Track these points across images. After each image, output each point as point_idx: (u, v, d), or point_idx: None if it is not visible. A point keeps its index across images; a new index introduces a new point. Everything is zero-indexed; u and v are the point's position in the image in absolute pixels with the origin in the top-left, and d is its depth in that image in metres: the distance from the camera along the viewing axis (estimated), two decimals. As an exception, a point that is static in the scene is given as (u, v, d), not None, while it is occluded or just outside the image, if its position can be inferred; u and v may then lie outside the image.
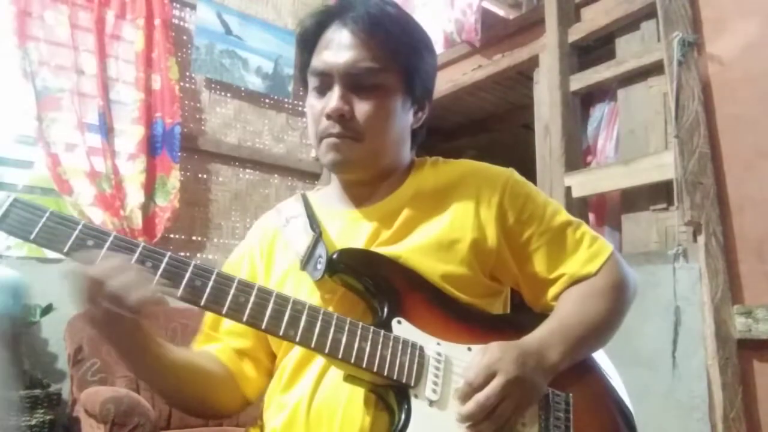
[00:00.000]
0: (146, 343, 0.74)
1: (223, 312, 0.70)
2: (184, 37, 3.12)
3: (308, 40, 0.90)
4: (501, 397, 0.71)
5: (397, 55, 0.87)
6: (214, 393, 0.87)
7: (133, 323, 0.70)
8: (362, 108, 0.85)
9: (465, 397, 0.73)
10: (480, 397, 0.71)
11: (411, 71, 0.89)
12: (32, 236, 0.65)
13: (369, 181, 0.93)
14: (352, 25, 0.85)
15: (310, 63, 0.90)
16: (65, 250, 0.66)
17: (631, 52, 2.16)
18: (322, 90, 0.87)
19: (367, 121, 0.85)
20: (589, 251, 0.90)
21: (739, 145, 1.64)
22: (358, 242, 0.87)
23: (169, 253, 0.69)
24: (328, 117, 0.85)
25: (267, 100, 3.40)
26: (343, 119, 0.84)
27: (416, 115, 0.95)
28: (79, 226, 0.67)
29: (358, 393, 0.77)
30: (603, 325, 0.86)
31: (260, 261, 0.95)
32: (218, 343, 0.92)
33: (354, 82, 0.85)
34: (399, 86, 0.88)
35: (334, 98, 0.84)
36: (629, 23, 2.19)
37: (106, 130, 2.68)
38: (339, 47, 0.85)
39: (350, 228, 0.90)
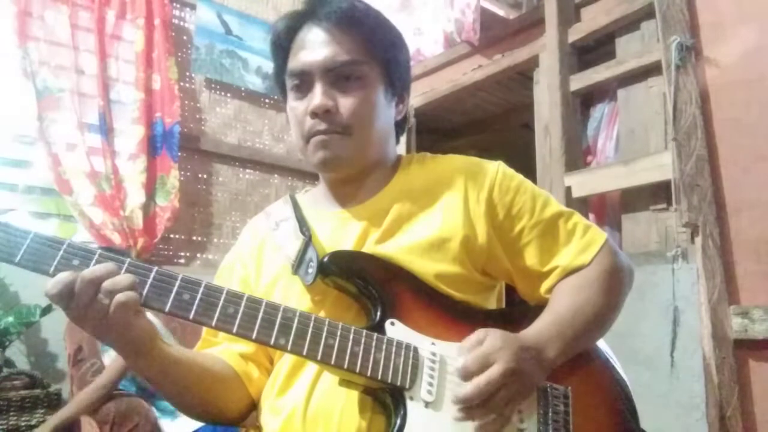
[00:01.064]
0: (149, 340, 0.73)
1: (213, 324, 0.69)
2: (184, 37, 3.12)
3: (281, 44, 0.90)
4: (499, 386, 0.70)
5: (373, 47, 0.87)
6: (222, 392, 0.86)
7: (129, 320, 0.68)
8: (346, 102, 0.85)
9: (463, 379, 0.72)
10: (479, 380, 0.70)
11: (389, 62, 0.89)
12: (17, 259, 0.65)
13: (356, 178, 0.92)
14: (326, 23, 0.85)
15: (286, 67, 0.89)
16: (51, 271, 0.65)
17: (631, 52, 2.15)
18: (303, 90, 0.87)
19: (353, 114, 0.85)
20: (582, 241, 0.89)
21: (737, 148, 1.66)
22: (348, 243, 0.86)
23: (155, 268, 0.69)
24: (314, 115, 0.85)
25: (267, 100, 3.40)
26: (329, 115, 0.84)
27: (397, 108, 0.95)
28: (64, 246, 0.67)
29: (355, 396, 0.76)
30: (599, 316, 0.85)
31: (251, 265, 0.95)
32: (220, 347, 0.91)
33: (335, 78, 0.85)
34: (379, 78, 0.88)
35: (317, 95, 0.84)
36: (629, 23, 2.19)
37: (106, 130, 2.68)
38: (315, 45, 0.85)
39: (339, 229, 0.89)
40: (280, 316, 0.72)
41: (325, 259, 0.80)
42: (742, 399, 1.55)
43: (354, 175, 0.92)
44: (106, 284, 0.65)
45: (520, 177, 0.94)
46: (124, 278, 0.66)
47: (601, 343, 0.91)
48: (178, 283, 0.69)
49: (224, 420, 0.89)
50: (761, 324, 1.52)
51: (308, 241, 0.85)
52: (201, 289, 0.69)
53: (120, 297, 0.65)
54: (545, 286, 0.89)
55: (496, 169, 0.92)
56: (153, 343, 0.74)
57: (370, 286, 0.80)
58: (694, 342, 1.64)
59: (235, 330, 0.70)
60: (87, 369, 2.17)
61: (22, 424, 2.04)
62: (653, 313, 1.76)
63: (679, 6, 1.77)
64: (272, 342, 0.70)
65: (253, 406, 0.90)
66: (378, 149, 0.92)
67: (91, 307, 0.65)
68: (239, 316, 0.70)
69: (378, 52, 0.88)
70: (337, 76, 0.85)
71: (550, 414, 0.77)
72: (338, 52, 0.84)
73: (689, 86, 1.72)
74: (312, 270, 0.80)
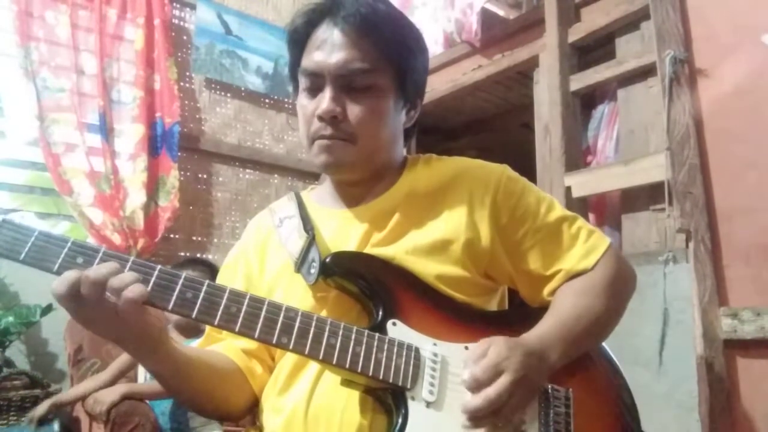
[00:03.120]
0: (158, 337, 0.74)
1: (215, 323, 0.69)
2: (184, 37, 3.12)
3: (298, 38, 0.90)
4: (508, 395, 0.70)
5: (389, 55, 0.86)
6: (228, 389, 0.86)
7: (138, 318, 0.68)
8: (354, 109, 0.84)
9: (471, 390, 0.72)
10: (490, 392, 0.70)
11: (403, 71, 0.88)
12: (22, 256, 0.65)
13: (362, 181, 0.92)
14: (343, 25, 0.84)
15: (300, 62, 0.89)
16: (55, 269, 0.66)
17: (631, 52, 2.15)
18: (314, 90, 0.87)
19: (360, 122, 0.84)
20: (585, 246, 0.89)
21: (728, 156, 1.71)
22: (351, 243, 0.86)
23: (159, 266, 0.69)
24: (320, 119, 0.84)
25: (267, 100, 3.40)
26: (335, 121, 0.84)
27: (408, 114, 0.95)
28: (68, 244, 0.67)
29: (356, 396, 0.77)
30: (601, 320, 0.85)
31: (255, 261, 0.95)
32: (223, 342, 0.92)
33: (346, 83, 0.84)
34: (391, 86, 0.87)
35: (325, 100, 0.83)
36: (629, 23, 2.19)
37: (106, 130, 2.67)
38: (330, 47, 0.84)
39: (342, 229, 0.89)
40: (282, 315, 0.72)
41: (328, 260, 0.80)
42: (731, 396, 1.59)
43: (359, 179, 0.92)
44: (113, 282, 0.65)
45: (524, 181, 0.94)
46: (129, 275, 0.66)
47: (602, 344, 0.91)
48: (181, 281, 0.69)
49: (228, 416, 0.90)
50: (750, 325, 1.57)
51: (312, 240, 0.85)
52: (204, 288, 0.70)
53: (127, 293, 0.65)
54: (548, 289, 0.89)
55: (500, 172, 0.92)
56: (162, 340, 0.74)
57: (372, 286, 0.81)
58: (691, 342, 1.66)
59: (237, 329, 0.70)
60: (87, 369, 2.17)
61: (22, 424, 2.04)
62: (653, 313, 1.76)
63: (673, 21, 1.82)
64: (274, 341, 0.71)
65: (256, 402, 0.90)
66: (383, 156, 0.92)
67: (98, 307, 0.65)
68: (242, 314, 0.70)
69: (393, 59, 0.86)
70: (349, 83, 0.84)
71: (551, 415, 0.77)
72: (352, 58, 0.83)
73: (683, 98, 1.77)
74: (314, 270, 0.80)
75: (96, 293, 0.64)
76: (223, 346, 0.91)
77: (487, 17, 2.73)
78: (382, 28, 0.85)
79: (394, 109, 0.89)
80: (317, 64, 0.85)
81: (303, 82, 0.88)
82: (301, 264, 0.83)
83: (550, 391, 0.79)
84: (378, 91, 0.86)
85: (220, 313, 0.69)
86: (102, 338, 0.72)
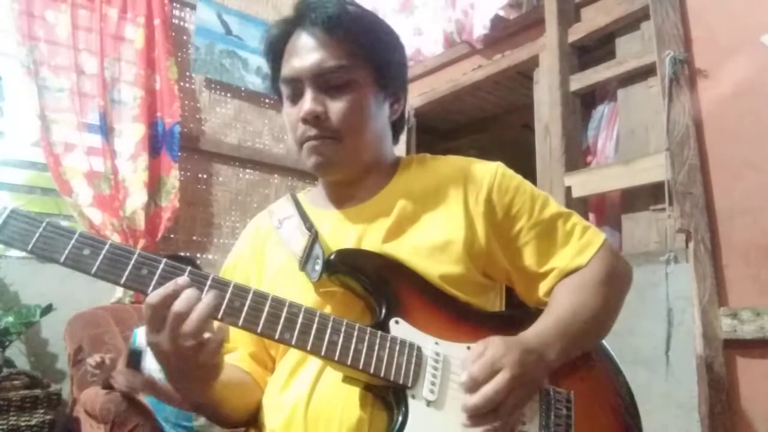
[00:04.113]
0: (219, 369, 0.74)
1: (219, 317, 0.69)
2: (184, 37, 3.12)
3: (275, 51, 0.92)
4: (507, 393, 0.70)
5: (362, 50, 0.87)
6: (248, 402, 0.88)
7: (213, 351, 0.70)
8: (335, 107, 0.86)
9: (469, 390, 0.72)
10: (488, 389, 0.70)
11: (379, 65, 0.90)
12: (30, 247, 0.65)
13: (354, 180, 0.93)
14: (312, 28, 0.86)
15: (280, 73, 0.91)
16: (62, 260, 0.66)
17: (631, 52, 2.15)
18: (296, 97, 0.88)
19: (343, 119, 0.86)
20: (580, 243, 0.89)
21: (727, 156, 1.72)
22: (347, 243, 0.87)
23: (164, 260, 0.69)
24: (305, 121, 0.86)
25: (267, 100, 3.40)
26: (319, 121, 0.85)
27: (393, 107, 0.95)
28: (75, 236, 0.67)
29: (356, 393, 0.77)
30: (597, 318, 0.85)
31: (252, 262, 0.96)
32: (236, 352, 0.92)
33: (324, 83, 0.86)
34: (369, 81, 0.89)
35: (306, 101, 0.85)
36: (629, 23, 2.19)
37: (107, 130, 2.67)
38: (303, 51, 0.86)
39: (337, 229, 0.90)
40: (285, 310, 0.72)
41: (332, 257, 0.81)
42: (731, 396, 1.60)
43: (351, 177, 0.92)
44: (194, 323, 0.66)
45: (519, 178, 0.94)
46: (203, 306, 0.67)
47: (603, 344, 0.91)
48: (185, 276, 0.69)
49: (241, 424, 0.90)
50: (749, 325, 1.58)
51: (315, 237, 0.85)
52: (208, 282, 0.70)
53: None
54: (543, 288, 0.89)
55: (495, 169, 0.92)
56: (219, 370, 0.75)
57: (375, 284, 0.81)
58: (691, 342, 1.67)
59: (240, 323, 0.70)
60: (87, 369, 2.17)
61: (22, 424, 2.04)
62: (653, 313, 1.77)
63: (673, 21, 1.83)
64: (277, 336, 0.71)
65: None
66: (372, 151, 0.92)
67: (180, 341, 0.66)
68: (245, 309, 0.70)
69: (368, 54, 0.88)
70: (327, 82, 0.86)
71: (552, 417, 0.77)
72: (326, 57, 0.85)
73: (682, 98, 1.78)
74: (318, 267, 0.81)
75: (176, 324, 0.66)
76: (236, 357, 0.92)
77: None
78: (351, 25, 0.86)
79: (376, 103, 0.90)
80: (294, 69, 0.87)
81: (285, 91, 0.90)
82: (305, 262, 0.84)
83: (551, 393, 0.79)
84: (356, 87, 0.87)
85: (223, 307, 0.69)
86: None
